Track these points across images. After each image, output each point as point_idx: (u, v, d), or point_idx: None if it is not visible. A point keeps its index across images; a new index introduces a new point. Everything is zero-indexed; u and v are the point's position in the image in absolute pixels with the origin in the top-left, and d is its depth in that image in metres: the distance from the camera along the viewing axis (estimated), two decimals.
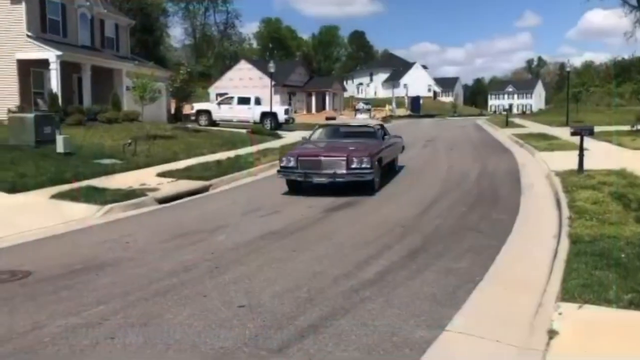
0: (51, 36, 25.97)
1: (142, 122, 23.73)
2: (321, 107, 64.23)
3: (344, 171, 11.76)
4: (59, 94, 23.88)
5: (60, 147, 15.78)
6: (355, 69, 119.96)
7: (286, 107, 38.23)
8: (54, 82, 24.15)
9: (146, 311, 5.34)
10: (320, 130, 14.99)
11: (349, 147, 12.59)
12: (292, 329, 4.85)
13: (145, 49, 50.26)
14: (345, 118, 49.62)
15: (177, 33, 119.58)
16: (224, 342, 4.59)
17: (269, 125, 32.50)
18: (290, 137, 26.50)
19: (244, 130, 29.12)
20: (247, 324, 4.98)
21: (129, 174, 14.20)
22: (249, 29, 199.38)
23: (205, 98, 49.42)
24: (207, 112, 34.50)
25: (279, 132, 30.55)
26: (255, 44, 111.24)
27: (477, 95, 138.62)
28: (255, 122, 33.01)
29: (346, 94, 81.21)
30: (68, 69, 25.77)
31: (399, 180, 14.46)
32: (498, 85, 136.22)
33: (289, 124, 34.16)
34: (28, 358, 4.37)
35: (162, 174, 14.28)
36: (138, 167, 15.38)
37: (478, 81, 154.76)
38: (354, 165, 11.75)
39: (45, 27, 25.86)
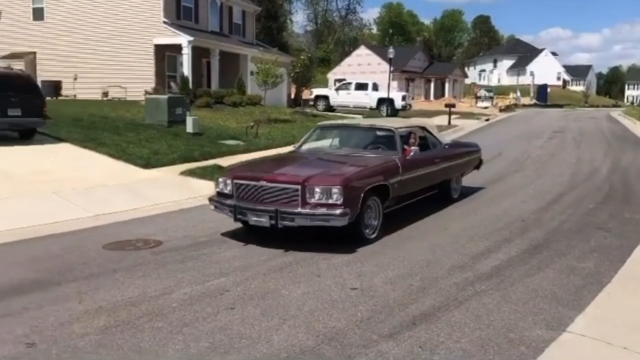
0: (184, 22, 27.65)
1: (264, 105, 24.66)
2: (440, 94, 62.71)
3: (296, 209, 6.75)
4: (190, 78, 25.40)
5: (189, 127, 16.81)
6: (478, 55, 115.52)
7: (403, 93, 37.78)
8: (186, 66, 25.72)
9: (263, 285, 5.60)
10: (318, 132, 9.60)
11: (331, 165, 7.95)
12: (404, 316, 4.85)
13: (270, 35, 51.87)
14: (464, 106, 48.15)
15: (299, 19, 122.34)
16: (336, 322, 4.69)
17: (385, 111, 32.34)
18: None
19: (359, 116, 29.25)
20: (358, 306, 5.05)
21: (250, 155, 14.83)
22: (369, 14, 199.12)
23: (324, 83, 50.17)
24: (325, 98, 35.06)
25: (395, 118, 30.31)
26: (375, 30, 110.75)
27: (612, 84, 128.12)
28: (371, 108, 33.01)
29: (467, 81, 78.52)
30: (198, 54, 27.31)
31: (526, 167, 13.79)
32: (638, 74, 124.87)
33: (405, 111, 33.77)
34: (157, 320, 4.75)
35: None
36: (259, 148, 16.01)
37: (614, 69, 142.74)
38: (314, 199, 6.73)
39: (179, 13, 27.57)
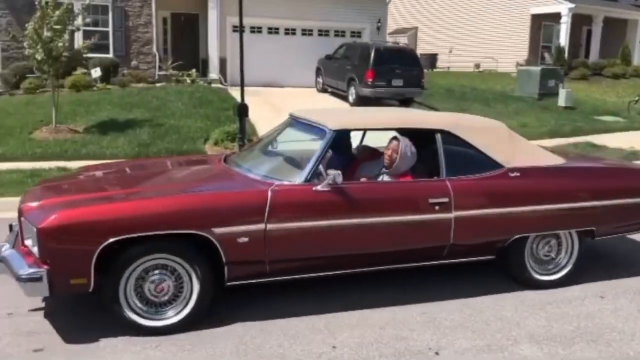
0: None
1: None
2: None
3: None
4: (566, 48, 23.81)
5: (561, 101, 15.88)
6: None
7: None
8: (563, 36, 24.17)
9: None
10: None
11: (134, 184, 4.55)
12: None
13: None
14: None
15: None
16: None
17: None
18: None
19: None
20: None
21: (629, 135, 13.19)
22: None
23: None
24: None
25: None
26: None
27: None
28: None
29: None
30: (578, 22, 25.30)
31: None
32: None
33: None
34: None
35: None
36: None
37: None
38: (28, 242, 3.78)
39: None
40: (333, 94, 16.84)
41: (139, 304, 3.77)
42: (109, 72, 15.69)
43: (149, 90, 14.93)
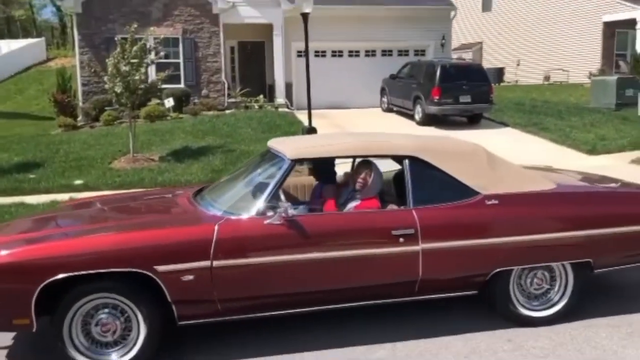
0: None
1: None
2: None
3: None
4: None
5: None
6: None
7: None
8: (639, 43, 23.05)
9: None
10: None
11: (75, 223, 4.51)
12: None
13: None
14: None
15: None
16: None
17: None
18: None
19: None
20: None
21: None
22: None
23: None
24: None
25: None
26: None
27: None
28: None
29: None
30: None
31: None
32: None
33: None
34: None
35: None
36: None
37: None
38: None
39: None
40: (399, 112, 16.76)
41: (84, 343, 3.60)
42: (181, 101, 16.31)
43: (219, 117, 15.39)
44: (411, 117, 15.68)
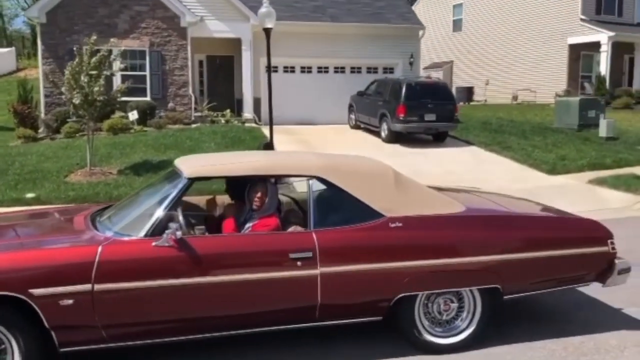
0: (604, 17, 25.31)
1: None
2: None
3: None
4: (607, 77, 23.19)
5: (603, 131, 15.32)
6: None
7: None
8: (603, 65, 23.58)
9: None
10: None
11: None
12: None
13: None
14: None
15: None
16: None
17: None
18: None
19: None
20: None
21: None
22: None
23: None
24: None
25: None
26: None
27: None
28: None
29: None
30: (619, 50, 24.65)
31: None
32: None
33: None
34: None
35: None
36: None
37: None
38: None
39: (599, 8, 25.40)
40: (366, 129, 16.77)
41: None
42: (146, 114, 16.08)
43: (183, 131, 15.20)
44: (378, 134, 15.70)
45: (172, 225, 3.53)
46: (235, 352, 4.08)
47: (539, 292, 4.34)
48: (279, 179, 4.35)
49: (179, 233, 3.53)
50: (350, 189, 4.00)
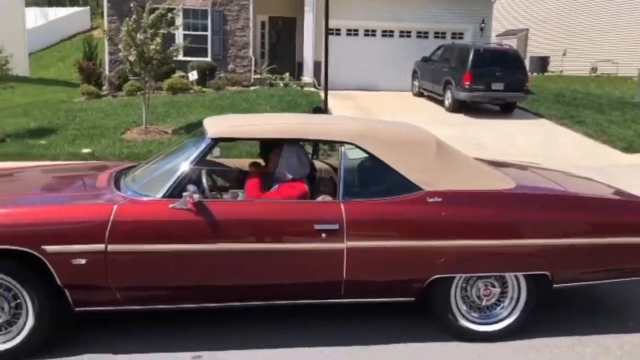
0: None
1: None
2: None
3: None
4: None
5: None
6: None
7: None
8: None
9: None
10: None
11: None
12: None
13: None
14: None
15: None
16: None
17: None
18: None
19: None
20: None
21: None
22: None
23: None
24: None
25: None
26: None
27: None
28: None
29: None
30: None
31: None
32: None
33: None
34: None
35: None
36: None
37: None
38: None
39: None
40: (429, 97, 16.08)
41: None
42: (206, 75, 16.02)
43: (241, 93, 15.04)
44: (441, 102, 14.99)
45: (190, 187, 3.31)
46: (247, 327, 3.85)
47: (595, 282, 3.89)
48: (309, 143, 3.98)
49: (196, 196, 3.30)
50: (385, 158, 3.62)
